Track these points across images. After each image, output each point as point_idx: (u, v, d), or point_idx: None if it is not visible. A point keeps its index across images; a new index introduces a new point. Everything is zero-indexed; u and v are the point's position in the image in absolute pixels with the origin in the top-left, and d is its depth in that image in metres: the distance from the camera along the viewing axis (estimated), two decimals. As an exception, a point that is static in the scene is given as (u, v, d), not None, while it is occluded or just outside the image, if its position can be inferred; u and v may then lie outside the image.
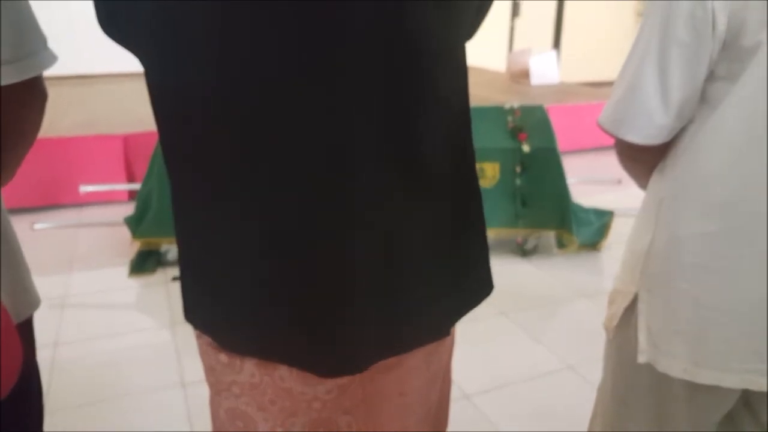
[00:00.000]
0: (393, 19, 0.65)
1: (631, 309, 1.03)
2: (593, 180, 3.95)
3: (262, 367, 0.75)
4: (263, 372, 0.75)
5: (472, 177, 0.82)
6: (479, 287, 0.86)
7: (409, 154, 0.71)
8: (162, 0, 0.64)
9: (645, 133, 0.92)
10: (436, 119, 0.73)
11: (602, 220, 3.21)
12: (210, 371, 0.82)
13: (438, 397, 0.90)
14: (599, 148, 4.64)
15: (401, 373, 0.80)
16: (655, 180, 1.01)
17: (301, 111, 0.66)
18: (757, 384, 0.93)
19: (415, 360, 0.81)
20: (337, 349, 0.74)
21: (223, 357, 0.77)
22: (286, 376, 0.75)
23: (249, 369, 0.76)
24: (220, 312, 0.76)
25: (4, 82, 0.78)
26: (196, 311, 0.79)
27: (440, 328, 0.83)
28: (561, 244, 3.12)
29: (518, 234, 3.10)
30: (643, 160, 1.01)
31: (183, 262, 0.79)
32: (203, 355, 0.82)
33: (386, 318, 0.74)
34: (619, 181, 3.72)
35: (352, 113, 0.67)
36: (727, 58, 0.86)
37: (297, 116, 0.66)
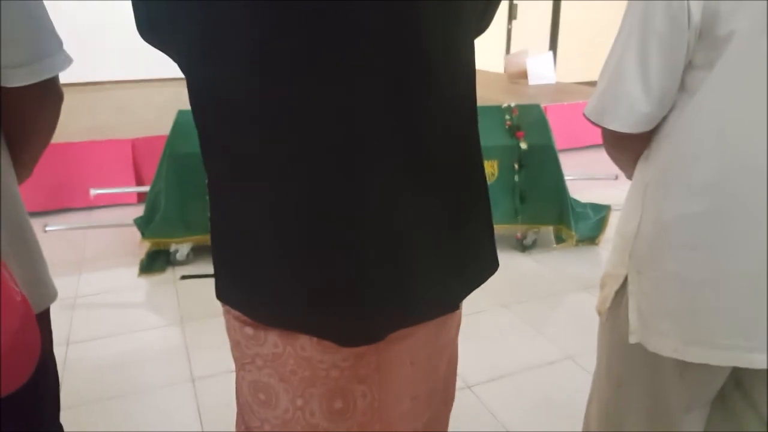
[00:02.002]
0: (401, 21, 0.70)
1: (622, 291, 1.06)
2: (590, 176, 3.96)
3: (285, 337, 0.80)
4: (286, 342, 0.81)
5: (478, 167, 0.86)
6: (485, 266, 0.90)
7: (416, 149, 0.76)
8: (201, 8, 0.69)
9: (628, 121, 0.96)
10: (441, 116, 0.77)
11: (600, 214, 3.24)
12: (236, 346, 0.87)
13: (446, 371, 0.95)
14: (596, 146, 4.66)
15: (412, 343, 0.84)
16: (640, 166, 1.04)
17: (316, 109, 0.71)
18: (744, 360, 0.94)
19: (425, 331, 0.86)
20: (355, 321, 0.79)
21: (249, 330, 0.83)
22: (306, 346, 0.80)
23: (272, 339, 0.81)
24: (248, 289, 0.81)
25: (21, 83, 0.80)
26: (225, 288, 0.85)
27: (449, 304, 0.88)
28: (560, 239, 3.15)
29: (517, 229, 3.13)
30: (628, 149, 1.05)
31: (214, 243, 0.84)
32: (230, 330, 0.87)
33: (398, 297, 0.79)
34: (616, 177, 3.72)
35: (364, 111, 0.71)
36: (703, 48, 0.89)
37: (312, 114, 0.71)
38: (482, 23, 0.85)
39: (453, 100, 0.79)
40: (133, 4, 0.76)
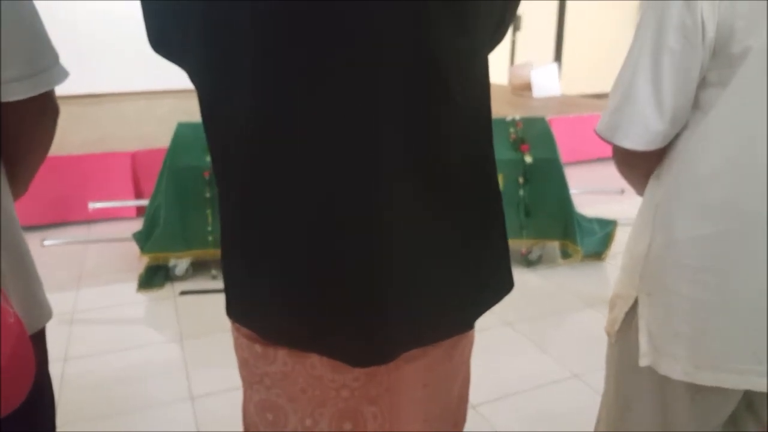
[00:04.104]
0: (416, 33, 0.69)
1: (632, 313, 1.04)
2: (596, 190, 3.95)
3: (295, 356, 0.79)
4: (295, 360, 0.79)
5: (493, 182, 0.85)
6: (500, 285, 0.88)
7: (433, 162, 0.75)
8: (211, 16, 0.69)
9: (640, 139, 0.94)
10: (457, 128, 0.76)
11: (606, 229, 3.21)
12: (243, 364, 0.86)
13: (458, 392, 0.93)
14: (602, 159, 4.65)
15: (425, 364, 0.83)
16: (651, 185, 1.03)
17: (326, 122, 0.70)
18: (756, 384, 0.94)
19: (439, 352, 0.84)
20: (369, 341, 0.77)
21: (258, 347, 0.82)
22: (317, 364, 0.79)
23: (282, 358, 0.80)
24: (259, 306, 0.80)
25: (18, 97, 0.80)
26: (235, 305, 0.83)
27: (464, 323, 0.87)
28: (565, 255, 3.13)
29: (522, 245, 3.11)
30: (639, 166, 1.03)
31: (224, 260, 0.83)
32: (238, 348, 0.86)
33: (413, 314, 0.78)
34: (622, 191, 3.72)
35: (381, 124, 0.70)
36: (717, 65, 0.88)
37: (321, 126, 0.70)
38: (495, 39, 0.84)
39: (467, 115, 0.78)
40: (144, 16, 0.75)
